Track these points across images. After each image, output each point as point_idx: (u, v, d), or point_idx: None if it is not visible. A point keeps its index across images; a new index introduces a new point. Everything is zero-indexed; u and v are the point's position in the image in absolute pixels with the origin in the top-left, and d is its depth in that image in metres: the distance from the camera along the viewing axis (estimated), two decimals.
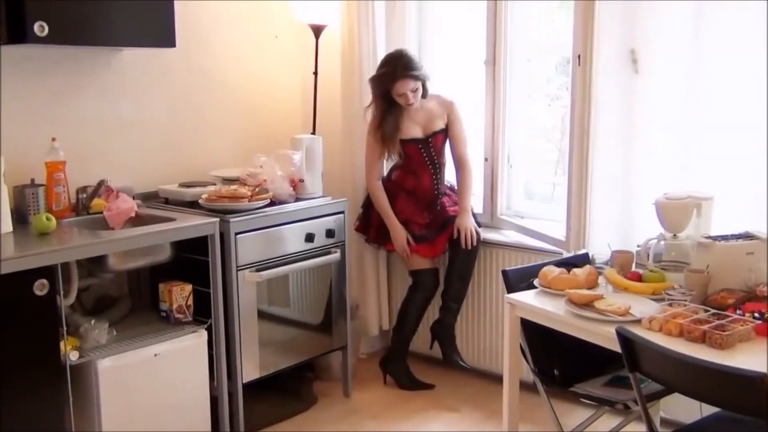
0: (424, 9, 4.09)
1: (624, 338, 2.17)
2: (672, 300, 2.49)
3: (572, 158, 3.32)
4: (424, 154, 3.75)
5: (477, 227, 3.74)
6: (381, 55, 3.93)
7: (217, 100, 3.89)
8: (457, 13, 4.04)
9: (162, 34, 3.27)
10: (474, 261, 3.77)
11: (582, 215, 3.31)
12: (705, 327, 2.24)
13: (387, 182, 3.83)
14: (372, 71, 3.92)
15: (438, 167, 3.79)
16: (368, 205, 3.92)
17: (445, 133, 3.78)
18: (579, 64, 3.20)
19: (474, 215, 3.80)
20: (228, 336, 3.23)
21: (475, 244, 3.69)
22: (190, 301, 3.18)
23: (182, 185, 3.56)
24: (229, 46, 3.93)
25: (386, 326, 4.16)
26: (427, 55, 4.07)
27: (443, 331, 3.82)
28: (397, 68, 3.60)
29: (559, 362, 2.82)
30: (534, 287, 2.78)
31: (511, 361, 2.78)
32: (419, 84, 3.64)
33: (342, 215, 3.66)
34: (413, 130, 3.73)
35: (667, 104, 3.15)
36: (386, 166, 3.90)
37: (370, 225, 3.90)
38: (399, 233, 3.74)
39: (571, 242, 3.35)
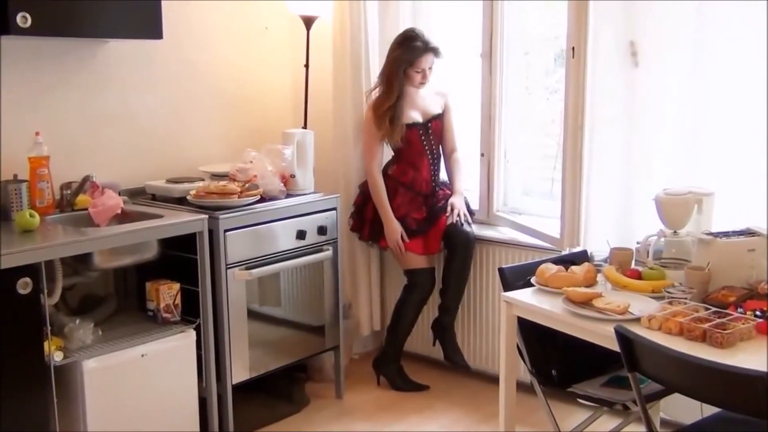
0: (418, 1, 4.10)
1: (623, 337, 2.18)
2: (672, 298, 2.50)
3: (566, 153, 3.34)
4: (424, 141, 3.78)
5: (469, 215, 3.79)
6: (374, 47, 3.95)
7: (205, 94, 3.89)
8: (452, 4, 4.04)
9: (149, 26, 3.27)
10: (471, 259, 3.79)
11: (576, 212, 3.33)
12: (705, 325, 2.25)
13: (384, 178, 3.83)
14: (365, 63, 3.94)
15: (436, 157, 3.83)
16: (361, 202, 3.93)
17: (442, 120, 3.83)
18: (573, 57, 3.21)
19: (470, 210, 3.83)
20: (217, 336, 3.23)
21: (470, 222, 3.75)
22: (178, 300, 3.18)
23: (170, 181, 3.56)
24: (218, 37, 3.92)
25: (378, 326, 4.16)
26: None
27: (443, 331, 3.83)
28: (422, 42, 3.67)
29: (557, 362, 2.83)
30: (531, 285, 2.78)
31: (507, 361, 2.78)
32: (433, 62, 3.72)
33: (334, 212, 3.66)
34: (413, 114, 3.77)
35: (667, 98, 3.16)
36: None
37: (364, 221, 3.90)
38: (393, 227, 3.75)
39: (565, 240, 3.37)
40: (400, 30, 3.88)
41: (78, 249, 2.83)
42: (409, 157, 3.81)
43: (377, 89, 3.79)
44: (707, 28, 3.02)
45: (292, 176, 3.60)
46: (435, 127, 3.81)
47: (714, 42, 3.01)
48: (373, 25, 3.96)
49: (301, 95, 4.05)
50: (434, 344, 3.92)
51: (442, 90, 3.87)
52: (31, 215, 2.89)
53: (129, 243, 3.00)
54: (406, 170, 3.82)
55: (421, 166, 3.81)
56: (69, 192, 3.25)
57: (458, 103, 3.94)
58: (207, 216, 3.17)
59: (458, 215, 3.71)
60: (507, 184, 3.98)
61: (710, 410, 2.41)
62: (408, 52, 3.67)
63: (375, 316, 4.16)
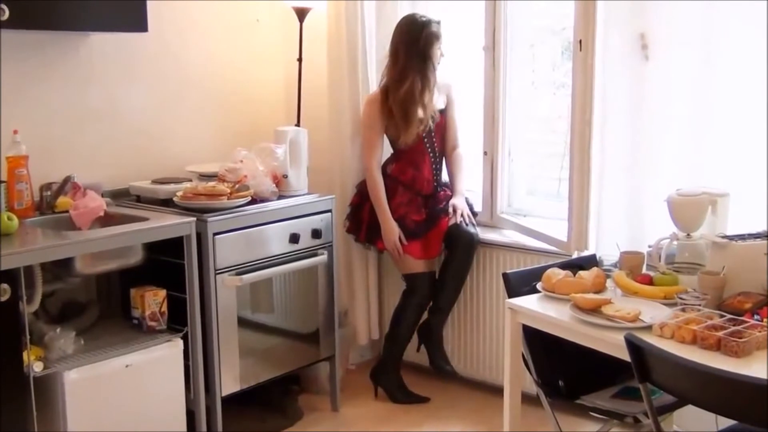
0: None
1: (633, 346, 2.19)
2: (685, 304, 2.51)
3: (573, 152, 3.34)
4: (425, 138, 3.79)
5: (472, 216, 3.80)
6: (371, 39, 3.96)
7: (193, 90, 3.90)
8: None
9: (133, 18, 3.28)
10: (471, 261, 3.80)
11: (584, 214, 3.33)
12: (720, 333, 2.26)
13: (382, 177, 3.83)
14: (362, 56, 3.95)
15: (438, 156, 3.85)
16: (358, 202, 3.94)
17: (444, 116, 3.84)
18: (580, 50, 3.22)
19: (473, 212, 3.85)
20: (206, 345, 3.24)
21: (474, 223, 3.77)
22: (165, 308, 3.18)
23: (155, 182, 3.56)
24: (207, 30, 3.93)
25: (376, 335, 4.17)
26: None
27: (431, 335, 3.84)
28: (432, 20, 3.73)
29: (564, 372, 2.84)
30: (537, 291, 2.80)
31: (512, 371, 2.79)
32: None
33: (329, 214, 3.67)
34: None
35: (680, 93, 3.17)
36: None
37: (360, 222, 3.91)
38: (390, 228, 3.76)
39: (573, 243, 3.37)
40: (399, 18, 3.88)
41: (59, 253, 2.83)
42: (410, 155, 3.82)
43: (395, 80, 3.74)
44: (718, 22, 3.03)
45: (285, 176, 3.60)
46: (437, 123, 3.82)
47: (725, 36, 3.02)
48: (371, 16, 3.97)
49: (293, 91, 4.06)
50: (419, 349, 3.92)
51: (445, 82, 3.87)
52: (9, 218, 2.89)
53: (112, 247, 3.00)
54: (406, 169, 3.83)
55: (422, 165, 3.82)
56: (49, 193, 3.26)
57: (460, 99, 3.95)
58: (195, 219, 3.18)
59: (462, 216, 3.72)
60: (511, 184, 3.99)
61: (725, 422, 2.42)
62: (435, 27, 3.70)
63: (373, 323, 4.17)
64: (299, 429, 3.66)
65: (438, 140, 3.84)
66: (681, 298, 2.55)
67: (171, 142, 3.82)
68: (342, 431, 3.65)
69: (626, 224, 3.33)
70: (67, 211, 3.20)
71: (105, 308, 3.38)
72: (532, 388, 2.95)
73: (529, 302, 2.75)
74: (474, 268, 3.86)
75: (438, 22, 3.73)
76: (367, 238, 3.91)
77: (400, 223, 3.78)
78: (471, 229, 3.75)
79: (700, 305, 2.49)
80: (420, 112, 3.72)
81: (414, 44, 3.69)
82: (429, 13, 3.96)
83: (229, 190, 3.36)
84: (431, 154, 3.83)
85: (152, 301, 3.15)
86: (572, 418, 3.30)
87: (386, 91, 3.76)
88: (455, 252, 3.75)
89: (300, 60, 3.99)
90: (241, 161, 3.50)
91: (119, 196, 3.53)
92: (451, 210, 3.74)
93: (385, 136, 3.84)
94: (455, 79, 3.99)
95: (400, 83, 3.71)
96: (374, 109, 3.78)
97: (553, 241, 3.56)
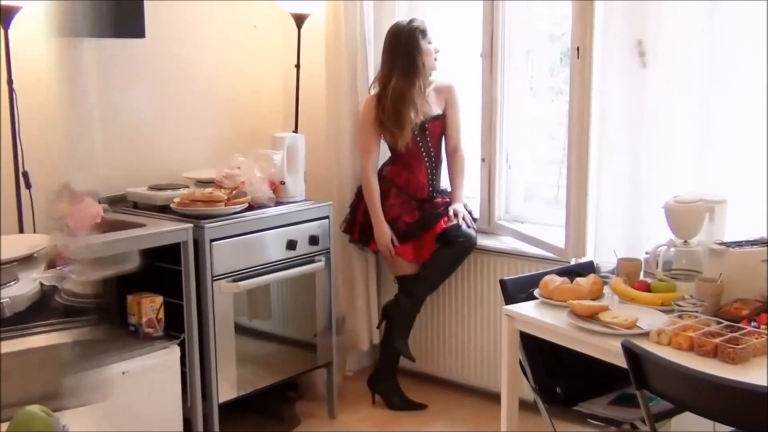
0: None
1: (631, 353, 2.20)
2: (682, 311, 2.52)
3: (571, 159, 3.36)
4: (420, 143, 3.80)
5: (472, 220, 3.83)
6: (369, 46, 3.97)
7: (190, 96, 3.91)
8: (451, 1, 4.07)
9: (131, 24, 3.30)
10: (462, 261, 3.82)
11: (582, 220, 3.34)
12: (717, 340, 2.27)
13: (378, 179, 3.85)
14: (361, 63, 3.96)
15: (435, 162, 3.86)
16: (355, 203, 3.95)
17: (442, 121, 3.83)
18: (578, 57, 3.24)
19: (473, 218, 3.86)
20: (202, 352, 3.25)
21: (474, 228, 3.79)
22: (161, 314, 3.19)
23: (152, 188, 3.57)
24: (204, 36, 3.94)
25: (377, 340, 4.16)
26: None
27: (399, 314, 3.84)
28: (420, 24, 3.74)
29: (562, 379, 2.84)
30: (534, 298, 2.80)
31: (509, 378, 2.80)
32: None
33: (326, 220, 3.68)
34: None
35: (677, 100, 3.18)
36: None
37: (354, 223, 3.93)
38: (383, 231, 3.78)
39: (570, 250, 3.39)
40: None
41: None
42: (406, 159, 3.83)
43: (383, 84, 3.76)
44: (716, 27, 3.04)
45: (282, 183, 3.61)
46: (432, 129, 3.82)
47: (723, 41, 3.03)
48: (369, 23, 3.98)
49: (291, 97, 4.07)
50: (379, 326, 3.94)
51: (445, 84, 3.87)
52: None
53: (109, 253, 3.01)
54: (401, 172, 3.84)
55: (417, 170, 3.83)
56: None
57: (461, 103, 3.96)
58: (192, 225, 3.19)
59: (463, 219, 3.74)
60: (509, 190, 4.00)
61: (723, 429, 2.43)
62: (418, 23, 3.71)
63: (374, 329, 4.15)
64: None
65: (434, 144, 3.85)
66: (678, 305, 2.56)
67: (168, 148, 3.82)
68: None
69: (624, 231, 3.33)
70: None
71: (101, 315, 3.38)
72: (530, 395, 2.96)
73: (526, 309, 2.75)
74: (471, 274, 3.87)
75: (422, 20, 3.75)
76: (360, 239, 3.93)
77: (392, 224, 3.79)
78: (471, 231, 3.77)
79: (697, 312, 2.50)
80: (412, 113, 3.72)
81: (397, 44, 3.72)
82: (427, 17, 4.00)
83: (226, 197, 3.37)
84: (426, 158, 3.83)
85: (149, 307, 3.16)
86: (569, 424, 3.29)
87: (378, 98, 3.78)
88: (450, 248, 3.75)
89: (298, 66, 4.00)
90: (239, 167, 3.51)
91: (116, 202, 3.53)
92: (451, 213, 3.75)
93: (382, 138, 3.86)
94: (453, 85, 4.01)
95: (387, 85, 3.74)
96: (369, 113, 3.80)
97: (551, 247, 3.57)
